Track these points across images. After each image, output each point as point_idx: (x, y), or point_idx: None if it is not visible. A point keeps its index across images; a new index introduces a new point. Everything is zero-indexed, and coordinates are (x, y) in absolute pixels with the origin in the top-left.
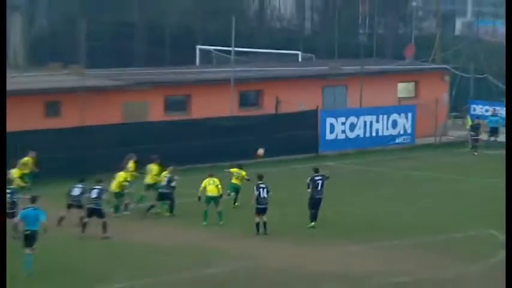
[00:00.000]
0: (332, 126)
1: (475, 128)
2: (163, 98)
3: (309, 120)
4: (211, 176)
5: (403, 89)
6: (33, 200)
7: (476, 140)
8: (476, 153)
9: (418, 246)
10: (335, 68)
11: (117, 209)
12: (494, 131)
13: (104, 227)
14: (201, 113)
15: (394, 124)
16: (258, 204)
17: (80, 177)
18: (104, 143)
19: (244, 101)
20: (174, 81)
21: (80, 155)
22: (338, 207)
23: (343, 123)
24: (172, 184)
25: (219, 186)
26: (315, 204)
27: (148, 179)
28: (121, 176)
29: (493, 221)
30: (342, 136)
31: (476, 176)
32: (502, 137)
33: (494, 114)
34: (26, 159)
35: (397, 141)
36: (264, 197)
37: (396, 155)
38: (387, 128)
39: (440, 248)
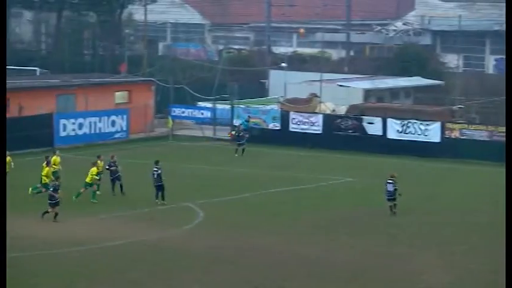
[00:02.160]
0: (64, 126)
1: (239, 134)
2: None
3: (45, 121)
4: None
5: (119, 96)
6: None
7: (240, 144)
8: (236, 155)
9: (132, 217)
10: (66, 80)
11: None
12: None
13: None
14: None
15: (113, 123)
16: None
17: None
18: None
19: None
20: None
21: None
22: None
23: (74, 123)
24: None
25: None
26: (159, 188)
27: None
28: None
29: (187, 196)
30: (72, 133)
31: (171, 162)
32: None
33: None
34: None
35: (115, 136)
36: None
37: (115, 147)
38: (107, 127)
39: (148, 217)
